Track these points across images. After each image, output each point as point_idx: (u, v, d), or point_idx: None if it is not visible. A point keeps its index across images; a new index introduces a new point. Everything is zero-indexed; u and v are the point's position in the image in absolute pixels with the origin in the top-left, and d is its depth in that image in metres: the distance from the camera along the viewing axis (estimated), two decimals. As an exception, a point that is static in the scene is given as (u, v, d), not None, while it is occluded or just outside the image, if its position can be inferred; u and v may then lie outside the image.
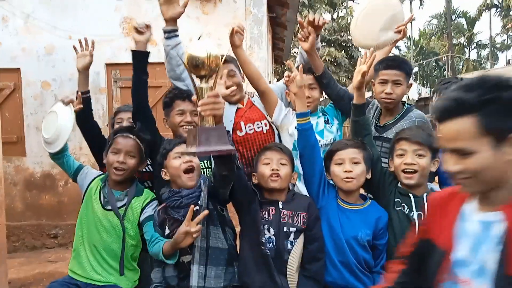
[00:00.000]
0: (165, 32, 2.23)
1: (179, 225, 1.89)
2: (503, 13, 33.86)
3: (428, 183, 2.06)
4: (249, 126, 2.41)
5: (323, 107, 2.57)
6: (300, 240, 2.00)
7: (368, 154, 2.05)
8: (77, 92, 2.42)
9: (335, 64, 16.43)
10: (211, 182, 1.97)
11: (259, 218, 2.00)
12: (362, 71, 2.04)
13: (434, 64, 38.48)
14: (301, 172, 2.20)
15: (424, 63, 37.92)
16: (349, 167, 2.00)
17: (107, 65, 5.67)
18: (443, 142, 1.12)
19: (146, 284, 2.11)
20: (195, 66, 1.60)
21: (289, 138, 2.37)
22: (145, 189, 2.25)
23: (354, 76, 2.11)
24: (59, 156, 2.30)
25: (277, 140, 2.43)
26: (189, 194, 2.00)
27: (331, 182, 2.12)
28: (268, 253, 1.95)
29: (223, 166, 1.82)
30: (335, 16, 21.98)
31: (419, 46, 39.69)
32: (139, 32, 2.14)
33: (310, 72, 2.40)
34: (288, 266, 1.97)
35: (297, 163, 2.20)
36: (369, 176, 2.06)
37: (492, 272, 1.07)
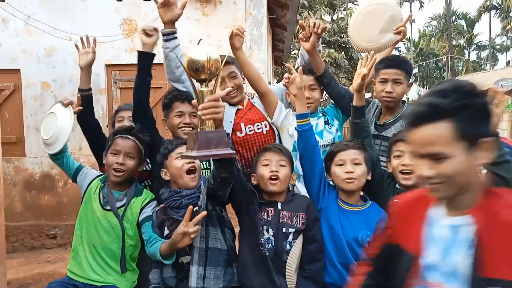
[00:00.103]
0: (163, 34, 2.23)
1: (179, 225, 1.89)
2: (502, 15, 33.94)
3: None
4: (249, 127, 2.41)
5: (323, 107, 2.58)
6: (299, 240, 2.00)
7: (368, 155, 2.05)
8: (78, 92, 2.43)
9: (335, 65, 16.43)
10: (211, 183, 1.97)
11: (258, 219, 2.00)
12: (363, 73, 2.05)
13: (433, 65, 38.54)
14: (301, 173, 2.20)
15: (423, 64, 37.96)
16: (351, 168, 2.00)
17: (107, 66, 5.66)
18: (416, 147, 1.12)
19: (145, 285, 2.10)
20: (195, 70, 1.60)
21: (289, 139, 2.37)
22: (144, 189, 2.25)
23: (354, 78, 2.12)
24: (58, 157, 2.30)
25: (277, 141, 2.43)
26: (190, 195, 2.00)
27: (331, 183, 2.13)
28: (267, 253, 1.95)
29: (223, 169, 1.82)
30: (335, 17, 22.01)
31: (419, 47, 39.72)
32: (147, 34, 2.16)
33: (311, 73, 2.41)
34: (287, 267, 1.97)
35: (297, 164, 2.21)
36: (369, 177, 2.06)
37: (465, 276, 1.07)
